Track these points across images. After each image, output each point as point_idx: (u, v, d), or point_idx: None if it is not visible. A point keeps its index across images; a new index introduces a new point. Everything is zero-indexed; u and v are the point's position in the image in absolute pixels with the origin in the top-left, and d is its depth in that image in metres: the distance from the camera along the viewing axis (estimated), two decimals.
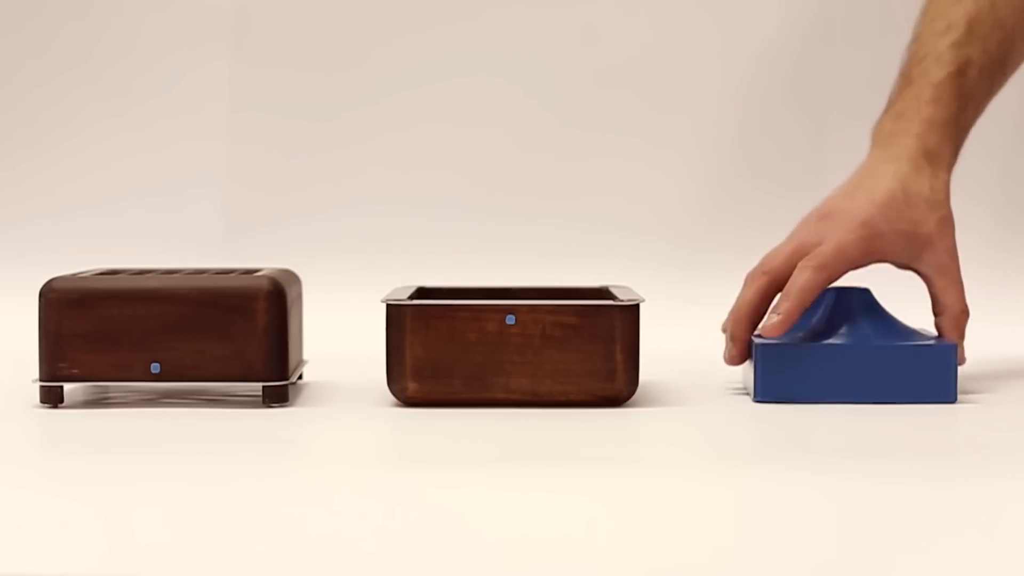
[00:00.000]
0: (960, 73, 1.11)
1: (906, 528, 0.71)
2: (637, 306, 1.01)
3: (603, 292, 1.11)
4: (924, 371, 1.04)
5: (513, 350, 1.00)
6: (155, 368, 1.00)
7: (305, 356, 1.14)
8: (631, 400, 1.02)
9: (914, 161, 1.09)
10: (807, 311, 1.05)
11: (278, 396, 1.02)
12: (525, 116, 1.58)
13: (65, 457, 0.90)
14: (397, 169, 1.58)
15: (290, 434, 0.95)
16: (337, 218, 1.56)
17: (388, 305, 1.01)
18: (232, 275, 1.03)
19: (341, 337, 1.26)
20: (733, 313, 1.07)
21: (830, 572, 0.64)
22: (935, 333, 1.09)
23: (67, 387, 1.02)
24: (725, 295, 1.51)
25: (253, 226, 1.57)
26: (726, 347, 1.07)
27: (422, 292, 1.11)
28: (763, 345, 1.03)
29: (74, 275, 1.04)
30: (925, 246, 1.08)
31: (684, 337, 1.37)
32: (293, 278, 1.08)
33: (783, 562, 0.65)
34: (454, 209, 1.56)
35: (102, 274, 1.05)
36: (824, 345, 1.04)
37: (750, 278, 1.08)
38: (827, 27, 1.57)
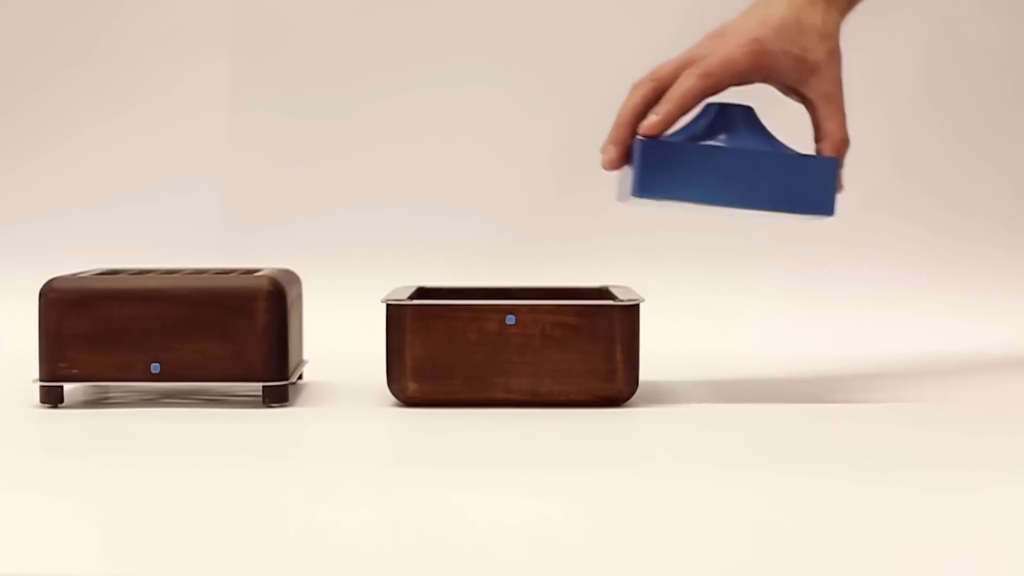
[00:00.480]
0: None
1: (909, 530, 0.71)
2: (637, 306, 1.01)
3: (603, 292, 1.11)
4: (804, 182, 1.02)
5: (513, 350, 1.00)
6: (155, 368, 1.00)
7: (305, 356, 1.14)
8: (631, 400, 1.02)
9: (818, 26, 1.08)
10: (692, 120, 1.04)
11: (278, 396, 1.02)
12: (525, 116, 1.58)
13: (65, 457, 0.90)
14: (397, 169, 1.58)
15: (290, 434, 0.95)
16: (337, 218, 1.56)
17: (388, 305, 1.01)
18: (232, 275, 1.03)
19: (341, 337, 1.26)
20: (616, 117, 1.06)
21: (830, 572, 0.64)
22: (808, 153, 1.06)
23: (67, 387, 1.02)
24: (725, 295, 1.51)
25: (253, 226, 1.57)
26: (605, 151, 1.05)
27: (422, 292, 1.11)
28: (644, 140, 1.01)
29: (74, 275, 1.04)
30: (812, 72, 1.07)
31: (684, 337, 1.37)
32: (293, 278, 1.08)
33: (783, 562, 0.65)
34: (454, 209, 1.56)
35: (102, 274, 1.05)
36: (706, 145, 1.02)
37: (637, 85, 1.06)
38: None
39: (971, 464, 0.86)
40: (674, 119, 1.03)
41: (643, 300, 1.02)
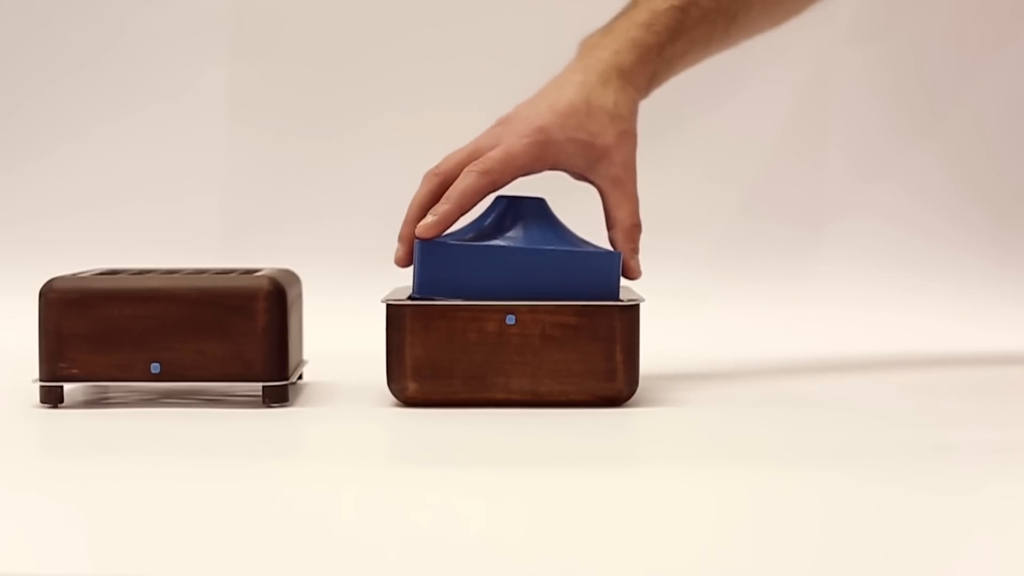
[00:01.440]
0: (682, 8, 1.10)
1: (910, 527, 0.71)
2: (637, 306, 1.01)
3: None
4: (587, 275, 1.01)
5: (513, 350, 1.00)
6: (155, 368, 1.00)
7: (305, 356, 1.14)
8: (631, 400, 1.02)
9: (604, 75, 1.08)
10: (481, 215, 1.04)
11: (278, 396, 1.02)
12: None
13: (65, 457, 0.90)
14: (397, 169, 1.58)
15: (290, 434, 0.95)
16: (337, 218, 1.56)
17: (388, 305, 1.01)
18: (232, 275, 1.03)
19: (341, 337, 1.26)
20: (406, 213, 1.05)
21: (830, 572, 0.64)
22: (608, 247, 1.07)
23: (67, 387, 1.02)
24: (726, 295, 1.51)
25: (253, 227, 1.57)
26: (396, 248, 1.05)
27: None
28: (420, 241, 1.01)
29: (74, 275, 1.03)
30: (601, 158, 1.06)
31: (684, 337, 1.37)
32: (293, 278, 1.08)
33: (783, 562, 0.65)
34: None
35: (102, 274, 1.05)
36: (482, 246, 1.02)
37: (425, 178, 1.06)
38: (827, 27, 1.57)
39: (973, 463, 0.86)
40: (452, 219, 1.02)
41: (643, 300, 1.02)
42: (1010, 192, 1.58)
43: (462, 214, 1.03)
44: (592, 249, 1.04)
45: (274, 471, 0.84)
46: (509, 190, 1.07)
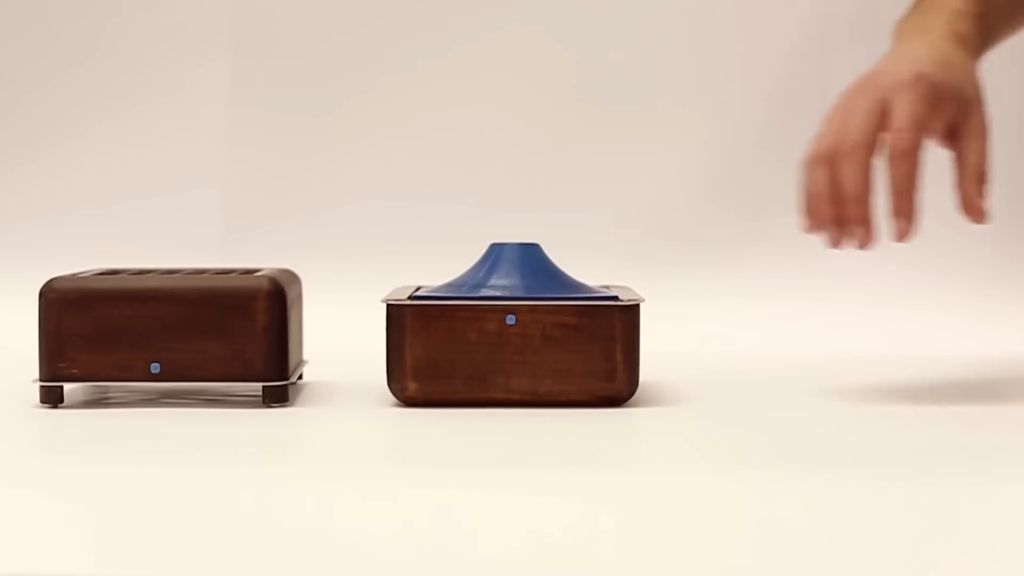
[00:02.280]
0: None
1: (910, 529, 0.71)
2: (637, 306, 1.01)
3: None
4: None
5: (513, 350, 1.00)
6: (155, 368, 1.00)
7: (305, 356, 1.14)
8: (631, 400, 1.02)
9: (948, 39, 1.06)
10: (475, 266, 1.05)
11: (278, 396, 1.02)
12: (525, 116, 1.57)
13: (65, 457, 0.90)
14: (397, 169, 1.58)
15: (290, 434, 0.95)
16: (337, 218, 1.56)
17: (388, 305, 1.01)
18: (232, 275, 1.03)
19: (341, 337, 1.26)
20: (894, 192, 1.00)
21: (830, 572, 0.64)
22: (598, 289, 1.06)
23: (67, 387, 1.02)
24: (726, 295, 1.51)
25: (253, 226, 1.57)
26: (893, 228, 1.00)
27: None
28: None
29: (74, 275, 1.04)
30: (969, 110, 1.04)
31: (684, 337, 1.37)
32: (293, 278, 1.08)
33: (783, 562, 0.65)
34: (454, 209, 1.56)
35: (102, 274, 1.05)
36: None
37: (830, 162, 1.01)
38: (827, 27, 1.57)
39: (975, 463, 0.86)
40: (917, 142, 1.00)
41: (643, 300, 1.02)
42: (1020, 183, 1.58)
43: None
44: (590, 296, 1.03)
45: (274, 471, 0.84)
46: (498, 236, 1.08)
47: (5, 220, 1.58)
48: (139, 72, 1.59)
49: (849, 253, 1.55)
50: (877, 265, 1.55)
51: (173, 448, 0.90)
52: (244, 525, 0.71)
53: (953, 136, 1.05)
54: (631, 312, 1.01)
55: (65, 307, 1.00)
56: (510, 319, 1.00)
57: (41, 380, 1.01)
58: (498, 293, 1.02)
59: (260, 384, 1.01)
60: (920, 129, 1.00)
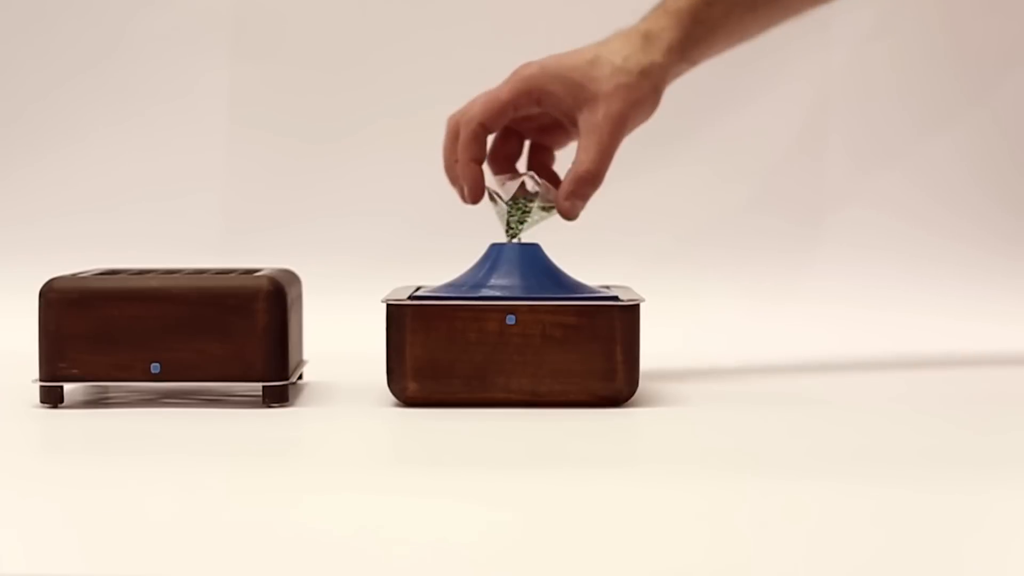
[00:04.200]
0: None
1: (912, 529, 0.70)
2: (637, 306, 1.01)
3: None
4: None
5: (513, 350, 1.00)
6: (155, 368, 1.00)
7: (305, 356, 1.14)
8: (631, 400, 1.02)
9: (626, 37, 1.09)
10: (476, 266, 1.05)
11: (278, 396, 1.02)
12: None
13: (65, 457, 0.90)
14: (397, 169, 1.58)
15: (290, 434, 0.95)
16: (337, 218, 1.56)
17: (388, 305, 1.01)
18: (232, 275, 1.03)
19: (341, 337, 1.26)
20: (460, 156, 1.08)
21: (830, 572, 0.64)
22: (598, 289, 1.06)
23: (67, 387, 1.02)
24: (726, 295, 1.51)
25: (253, 227, 1.57)
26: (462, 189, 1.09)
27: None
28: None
29: (74, 275, 1.03)
30: (588, 102, 1.06)
31: (685, 337, 1.37)
32: (293, 278, 1.08)
33: (783, 563, 0.65)
34: (454, 209, 1.56)
35: (102, 274, 1.05)
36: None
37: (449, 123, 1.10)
38: (827, 27, 1.57)
39: (975, 465, 0.86)
40: (472, 175, 1.08)
41: (643, 300, 1.02)
42: (1018, 183, 1.58)
43: (479, 163, 1.07)
44: (589, 294, 1.03)
45: (274, 471, 0.84)
46: (498, 236, 1.08)
47: (5, 220, 1.58)
48: (140, 74, 1.59)
49: (850, 254, 1.55)
50: (877, 266, 1.56)
51: (173, 448, 0.90)
52: (244, 525, 0.71)
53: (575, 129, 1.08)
54: (631, 312, 1.01)
55: (65, 307, 1.00)
56: (510, 319, 1.00)
57: (41, 380, 1.01)
58: (498, 293, 1.02)
59: (260, 384, 1.01)
60: (469, 172, 1.08)
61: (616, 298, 1.02)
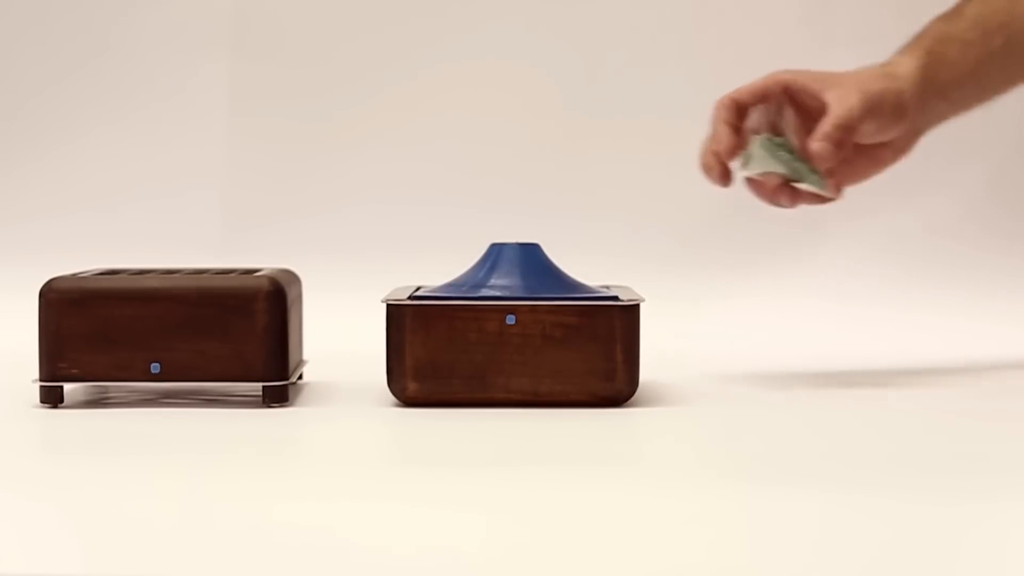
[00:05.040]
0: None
1: (912, 531, 0.70)
2: (637, 306, 1.01)
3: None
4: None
5: (513, 350, 1.00)
6: (155, 368, 1.00)
7: (305, 356, 1.14)
8: (631, 400, 1.02)
9: (867, 70, 1.14)
10: (475, 266, 1.05)
11: (278, 396, 1.02)
12: (525, 116, 1.57)
13: (65, 457, 0.90)
14: (397, 169, 1.58)
15: (290, 434, 0.95)
16: (337, 218, 1.56)
17: (388, 305, 1.01)
18: (232, 275, 1.03)
19: (341, 337, 1.26)
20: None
21: (829, 572, 0.64)
22: (598, 289, 1.06)
23: (67, 387, 1.02)
24: (726, 295, 1.51)
25: (253, 226, 1.57)
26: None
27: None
28: None
29: (74, 275, 1.03)
30: (836, 84, 1.11)
31: (684, 337, 1.37)
32: (293, 278, 1.08)
33: (783, 563, 0.65)
34: (454, 208, 1.56)
35: (102, 274, 1.05)
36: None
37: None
38: (827, 27, 1.57)
39: (975, 469, 0.86)
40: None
41: (643, 300, 1.02)
42: (1018, 185, 1.58)
43: (730, 125, 1.12)
44: (589, 294, 1.03)
45: (274, 471, 0.84)
46: (499, 236, 1.08)
47: (5, 220, 1.58)
48: (139, 73, 1.59)
49: (850, 254, 1.55)
50: (878, 266, 1.56)
51: (173, 448, 0.90)
52: (244, 525, 0.71)
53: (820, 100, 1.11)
54: (631, 312, 1.01)
55: (65, 307, 1.00)
56: (510, 319, 1.00)
57: (41, 380, 1.01)
58: (498, 293, 1.02)
59: (260, 384, 1.01)
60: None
61: (616, 298, 1.02)
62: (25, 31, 1.60)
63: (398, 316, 1.01)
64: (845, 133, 1.08)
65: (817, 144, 1.08)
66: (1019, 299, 1.48)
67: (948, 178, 1.59)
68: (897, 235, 1.58)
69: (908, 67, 1.13)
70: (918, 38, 1.16)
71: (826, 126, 1.08)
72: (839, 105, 1.09)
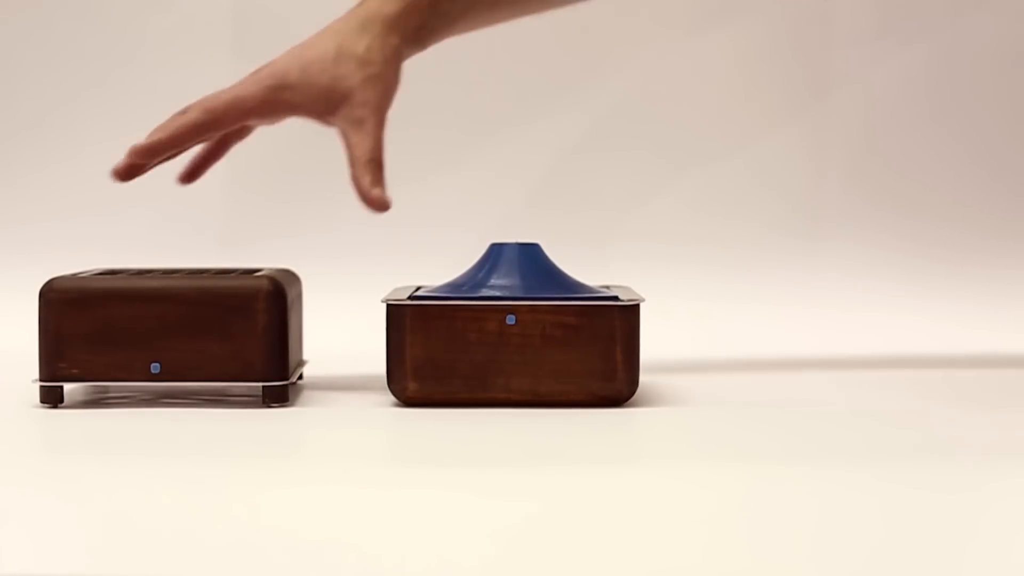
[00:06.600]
0: None
1: (911, 526, 0.71)
2: (637, 306, 1.01)
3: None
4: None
5: (513, 350, 1.00)
6: (155, 368, 1.00)
7: (305, 356, 1.14)
8: (631, 400, 1.02)
9: (364, 22, 1.08)
10: (475, 265, 1.04)
11: (278, 396, 1.02)
12: (525, 116, 1.58)
13: (65, 457, 0.90)
14: (396, 169, 1.58)
15: (290, 434, 0.95)
16: (337, 218, 1.56)
17: (388, 305, 1.01)
18: (232, 275, 1.03)
19: (341, 337, 1.26)
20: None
21: (830, 572, 0.64)
22: (598, 289, 1.06)
23: (67, 387, 1.02)
24: (726, 295, 1.51)
25: (253, 226, 1.57)
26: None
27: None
28: None
29: (74, 275, 1.03)
30: (343, 101, 1.06)
31: (684, 337, 1.37)
32: (293, 278, 1.08)
33: (783, 563, 0.65)
34: (454, 209, 1.56)
35: (102, 274, 1.05)
36: None
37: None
38: (827, 27, 1.57)
39: (976, 464, 0.86)
40: (163, 148, 1.05)
41: (643, 300, 1.02)
42: (1010, 191, 1.58)
43: (174, 147, 1.06)
44: (589, 294, 1.03)
45: (274, 471, 0.84)
46: (501, 236, 1.08)
47: (5, 220, 1.58)
48: (140, 72, 1.59)
49: (851, 255, 1.55)
50: (879, 267, 1.56)
51: (173, 448, 0.90)
52: (243, 525, 0.71)
53: (338, 130, 1.08)
54: (631, 312, 1.01)
55: (65, 307, 1.00)
56: (510, 319, 1.00)
57: (41, 380, 1.01)
58: (498, 293, 1.02)
59: (260, 384, 1.01)
60: (164, 144, 1.06)
61: (616, 298, 1.02)
62: (26, 33, 1.60)
63: (398, 316, 1.01)
64: (382, 170, 1.07)
65: (376, 192, 1.06)
66: None
67: (951, 177, 1.59)
68: (899, 239, 1.58)
69: (412, 26, 1.08)
70: None
71: (369, 172, 1.06)
72: (365, 142, 1.06)
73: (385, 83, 1.08)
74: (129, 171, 1.06)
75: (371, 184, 1.06)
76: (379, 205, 1.07)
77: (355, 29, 1.08)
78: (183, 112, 1.07)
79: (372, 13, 1.09)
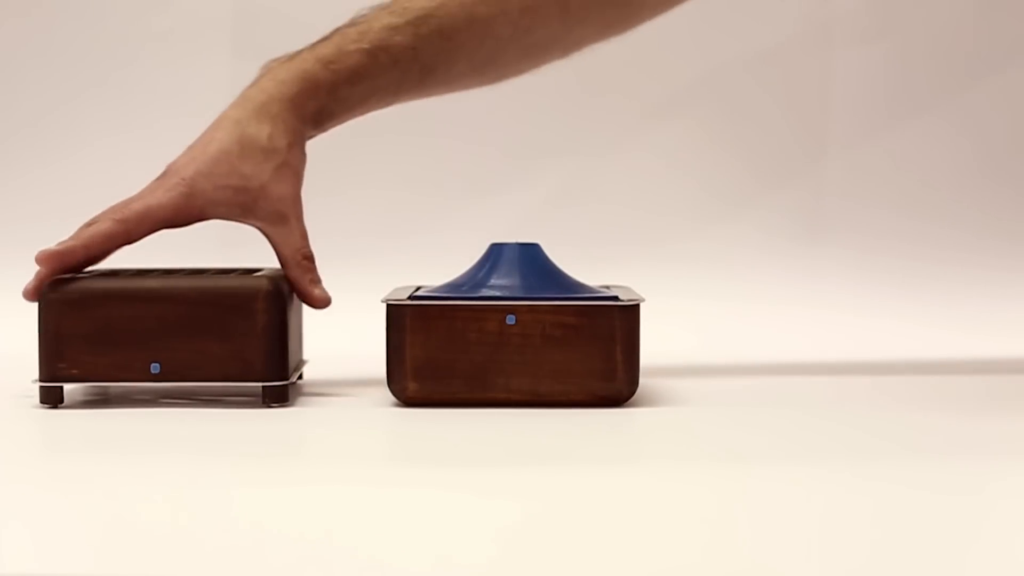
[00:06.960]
0: (371, 53, 1.09)
1: (910, 527, 0.71)
2: (637, 306, 1.01)
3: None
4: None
5: (513, 350, 1.00)
6: (155, 368, 1.00)
7: (305, 356, 1.14)
8: (631, 400, 1.02)
9: (262, 107, 1.06)
10: (475, 265, 1.04)
11: (278, 396, 1.01)
12: (525, 116, 1.58)
13: (65, 457, 0.90)
14: (397, 169, 1.58)
15: (290, 434, 0.95)
16: (337, 218, 1.56)
17: (388, 305, 1.01)
18: (232, 275, 1.03)
19: (341, 337, 1.26)
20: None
21: (830, 571, 0.64)
22: (598, 289, 1.06)
23: (67, 387, 1.02)
24: (726, 296, 1.51)
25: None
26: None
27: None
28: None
29: (74, 275, 1.03)
30: (258, 199, 1.05)
31: (684, 337, 1.37)
32: None
33: (783, 562, 0.65)
34: (454, 208, 1.56)
35: (102, 274, 1.05)
36: None
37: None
38: (827, 27, 1.57)
39: (976, 464, 0.86)
40: (74, 257, 1.02)
41: (643, 300, 1.02)
42: (1008, 197, 1.58)
43: (87, 256, 1.03)
44: (589, 294, 1.03)
45: (274, 471, 0.84)
46: (498, 236, 1.08)
47: (5, 220, 1.58)
48: (140, 72, 1.60)
49: (851, 255, 1.55)
50: (879, 267, 1.56)
51: (173, 448, 0.90)
52: (243, 525, 0.71)
53: (258, 228, 1.06)
54: (631, 312, 1.01)
55: (65, 307, 1.00)
56: (510, 319, 1.00)
57: (41, 380, 1.01)
58: (498, 293, 1.02)
59: (260, 384, 1.01)
60: (76, 253, 1.02)
61: (616, 298, 1.02)
62: (26, 33, 1.60)
63: (398, 316, 1.01)
64: (312, 260, 1.07)
65: (318, 291, 1.06)
66: None
67: (951, 178, 1.59)
68: (899, 242, 1.58)
69: (312, 110, 1.07)
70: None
71: (308, 272, 1.06)
72: (294, 241, 1.06)
73: (294, 170, 1.07)
74: (37, 292, 1.02)
75: (311, 283, 1.06)
76: (322, 303, 1.07)
77: (252, 116, 1.05)
78: (91, 223, 1.04)
79: (269, 97, 1.06)
